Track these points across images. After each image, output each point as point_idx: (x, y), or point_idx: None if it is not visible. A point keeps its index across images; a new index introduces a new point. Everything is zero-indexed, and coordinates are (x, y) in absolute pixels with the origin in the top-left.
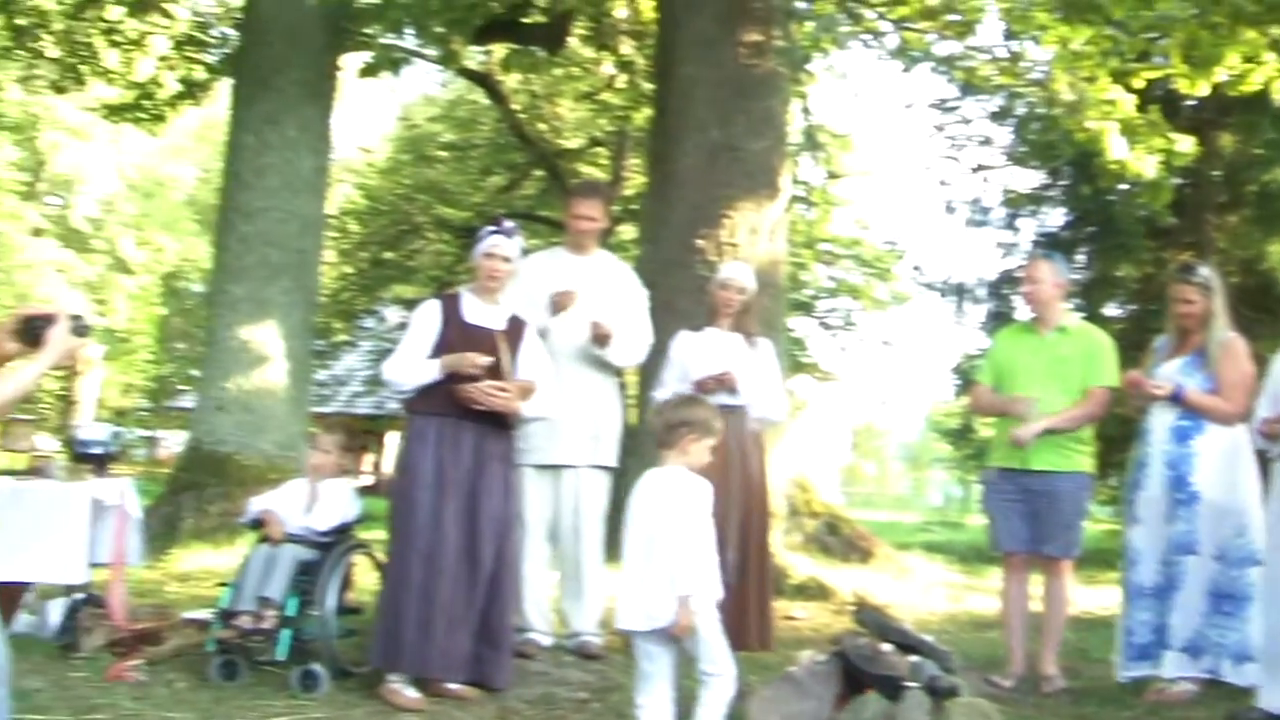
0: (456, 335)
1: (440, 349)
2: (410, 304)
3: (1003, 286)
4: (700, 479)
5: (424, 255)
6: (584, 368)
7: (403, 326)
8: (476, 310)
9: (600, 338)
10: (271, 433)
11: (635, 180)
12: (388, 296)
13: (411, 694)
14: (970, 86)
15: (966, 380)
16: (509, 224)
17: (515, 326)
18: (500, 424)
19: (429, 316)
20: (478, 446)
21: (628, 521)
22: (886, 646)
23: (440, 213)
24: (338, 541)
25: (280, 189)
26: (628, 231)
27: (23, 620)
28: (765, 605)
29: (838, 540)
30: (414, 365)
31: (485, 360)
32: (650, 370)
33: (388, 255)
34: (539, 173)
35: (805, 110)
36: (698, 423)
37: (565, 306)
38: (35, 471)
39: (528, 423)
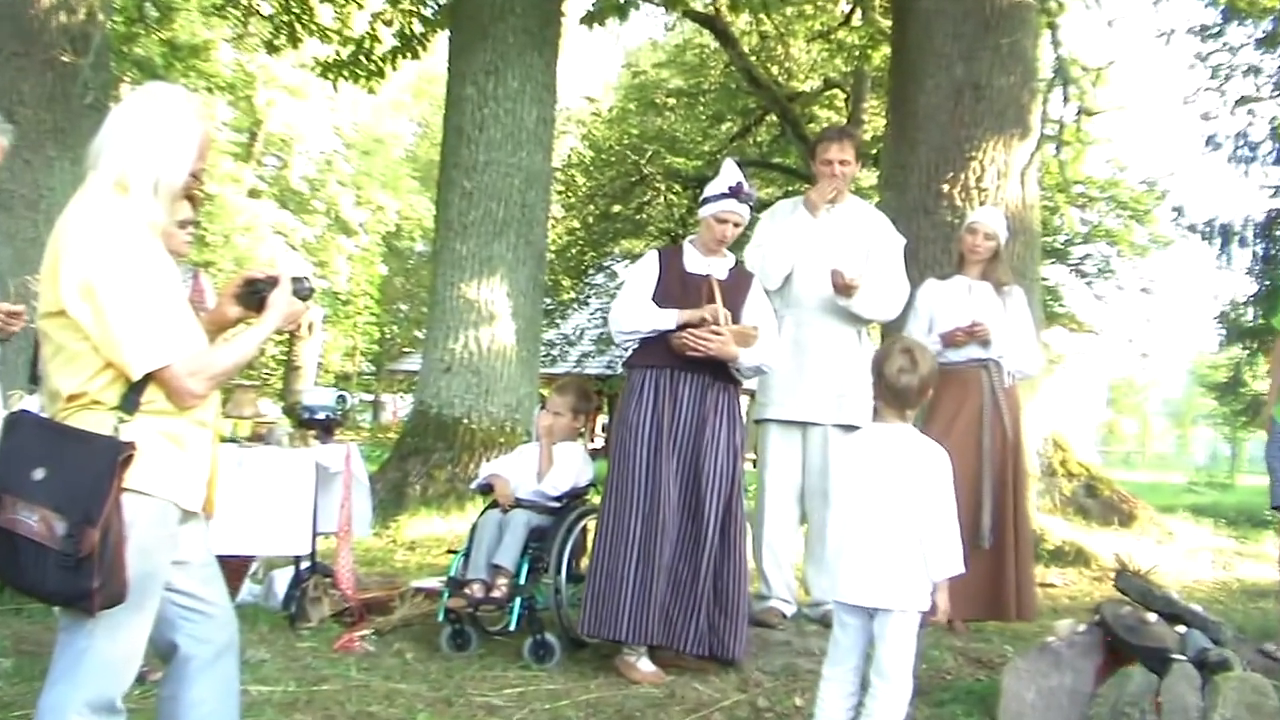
0: (675, 283)
1: (659, 297)
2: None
3: (1272, 228)
4: (936, 444)
5: (653, 208)
6: (828, 320)
7: None
8: (697, 261)
9: (843, 288)
10: (500, 395)
11: (873, 123)
12: (617, 251)
13: (648, 666)
14: (1234, 10)
15: (1234, 330)
16: (748, 189)
17: (738, 277)
18: (722, 375)
19: (648, 266)
20: (698, 400)
21: (845, 482)
22: (1151, 616)
23: (669, 163)
24: (570, 506)
25: (503, 141)
26: (866, 177)
27: (248, 589)
28: (1025, 573)
29: (1096, 502)
30: (639, 310)
31: (718, 310)
32: (894, 323)
33: (616, 209)
34: (771, 118)
35: (1055, 43)
36: (935, 377)
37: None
38: (259, 438)
39: (751, 373)
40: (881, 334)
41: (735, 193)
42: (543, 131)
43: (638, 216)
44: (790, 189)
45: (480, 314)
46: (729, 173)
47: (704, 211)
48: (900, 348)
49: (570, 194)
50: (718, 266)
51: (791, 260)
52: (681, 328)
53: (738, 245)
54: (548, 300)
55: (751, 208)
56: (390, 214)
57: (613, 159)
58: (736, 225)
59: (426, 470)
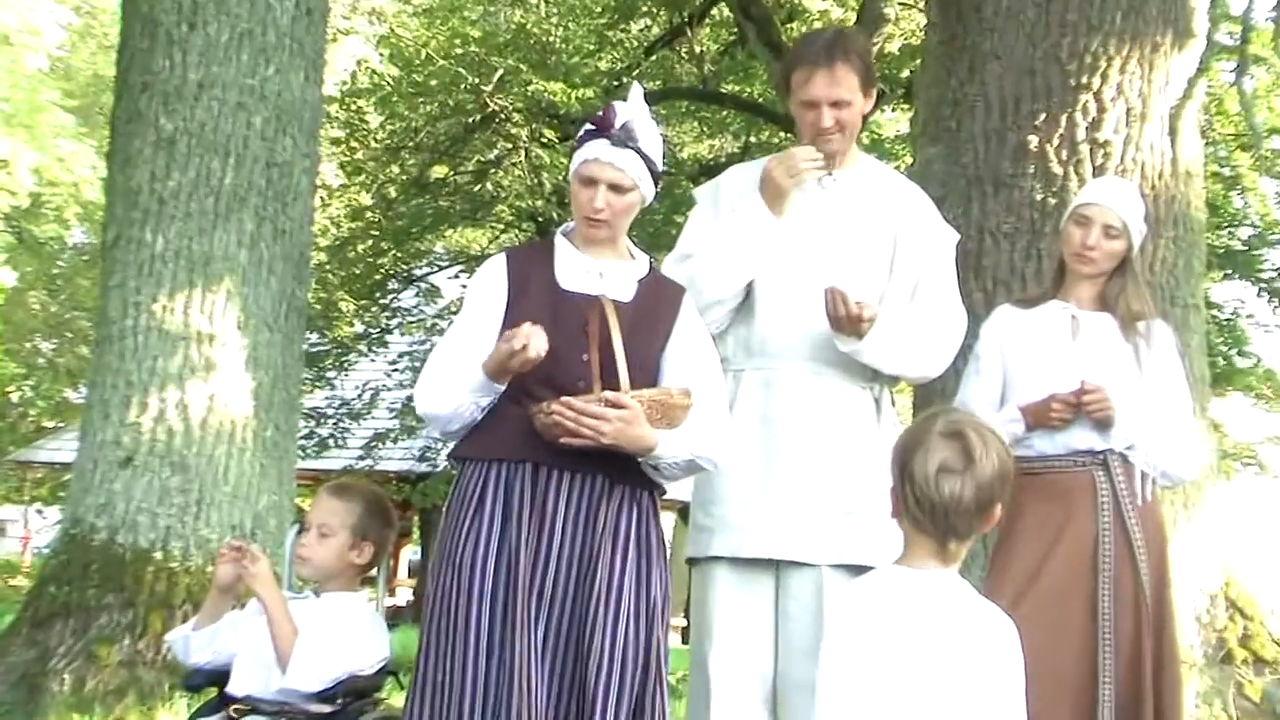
0: (539, 308)
1: (508, 328)
2: (475, 264)
3: None
4: (1002, 610)
5: (506, 172)
6: (819, 378)
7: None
8: (578, 269)
9: (846, 321)
10: (224, 507)
11: (905, 25)
12: (440, 249)
13: None
14: None
15: None
16: (635, 124)
17: (655, 297)
18: (628, 476)
19: (490, 281)
20: (584, 520)
21: (848, 669)
22: None
23: (535, 91)
24: (346, 713)
25: (232, 47)
26: (886, 124)
27: None
28: None
29: None
30: (464, 368)
31: (616, 357)
32: (937, 383)
33: (439, 173)
34: (723, 12)
35: None
36: (1007, 484)
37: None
38: None
39: (679, 472)
40: (915, 403)
41: (602, 127)
42: (306, 30)
43: (477, 188)
44: (757, 143)
45: (188, 360)
46: (617, 106)
47: (572, 171)
48: (944, 429)
49: (357, 145)
50: (616, 277)
51: (751, 271)
52: (519, 388)
53: (659, 244)
54: (314, 337)
55: (658, 168)
56: (21, 175)
57: (434, 83)
58: (617, 188)
59: (85, 645)
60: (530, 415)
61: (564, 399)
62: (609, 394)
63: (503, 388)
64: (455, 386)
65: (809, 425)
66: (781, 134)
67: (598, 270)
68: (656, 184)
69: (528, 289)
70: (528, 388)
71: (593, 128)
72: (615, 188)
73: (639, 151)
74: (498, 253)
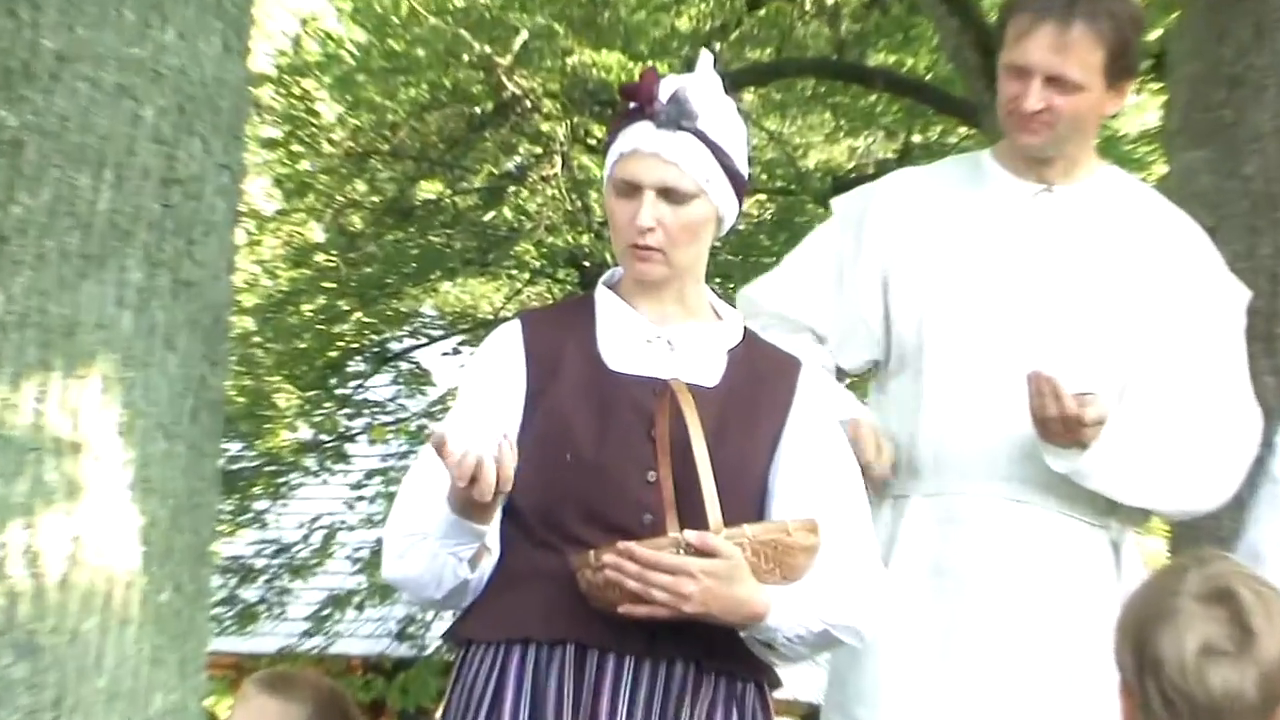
0: (575, 401)
1: (534, 450)
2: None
3: None
4: None
5: (531, 193)
6: (1025, 508)
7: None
8: (630, 336)
9: (1058, 423)
10: (94, 710)
11: None
12: (427, 309)
13: None
14: None
15: None
16: (677, 83)
17: (750, 369)
18: (722, 660)
19: (498, 367)
20: None
21: None
22: None
23: (577, 65)
24: None
25: (105, 5)
26: (1124, 114)
27: None
28: None
29: None
30: (431, 515)
31: (706, 493)
32: (1215, 517)
33: (426, 193)
34: None
35: None
36: None
37: None
38: None
39: (805, 651)
40: (1171, 547)
41: (644, 101)
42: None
43: (489, 216)
44: (923, 143)
45: (40, 484)
46: (669, 77)
47: (605, 178)
48: (1202, 589)
49: (303, 149)
50: (692, 348)
51: (915, 334)
52: (588, 534)
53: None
54: (235, 447)
55: (739, 168)
56: None
57: (421, 53)
58: (675, 198)
59: None
60: (572, 571)
61: (623, 545)
62: (691, 534)
63: (485, 530)
64: (428, 534)
65: (1007, 583)
66: (962, 129)
67: (664, 338)
68: (740, 196)
69: (558, 371)
70: (563, 526)
71: (633, 107)
72: (669, 193)
73: (702, 136)
74: (513, 316)
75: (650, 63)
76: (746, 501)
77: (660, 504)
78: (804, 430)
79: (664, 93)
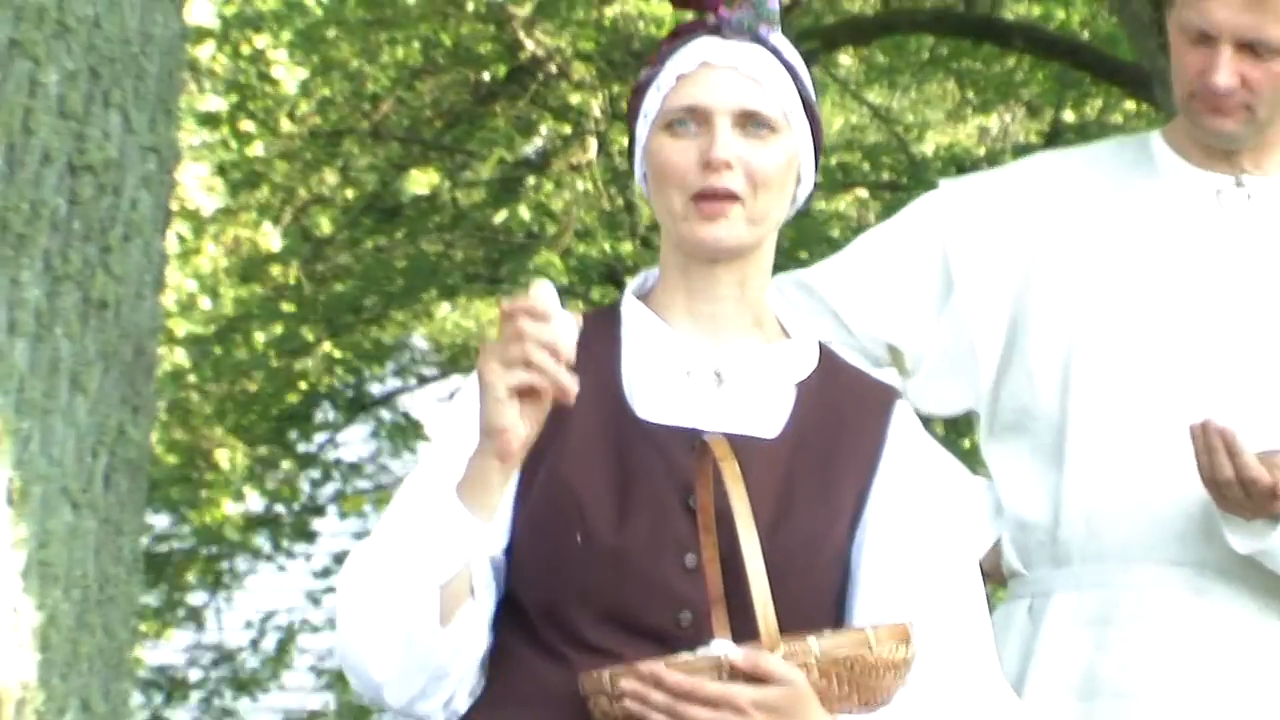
0: (590, 460)
1: (534, 521)
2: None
3: None
4: None
5: (555, 185)
6: (1207, 600)
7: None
8: (665, 366)
9: (1239, 490)
10: None
11: None
12: (426, 345)
13: None
14: None
15: None
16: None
17: (828, 407)
18: None
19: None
20: None
21: None
22: None
23: (616, 18)
24: None
25: None
26: None
27: None
28: None
29: None
30: (403, 586)
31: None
32: None
33: (416, 188)
34: None
35: None
36: None
37: None
38: None
39: None
40: None
41: (705, 4)
42: None
43: (499, 216)
44: (1076, 122)
45: None
46: None
47: (640, 129)
48: None
49: (255, 126)
50: (749, 379)
51: (1057, 374)
52: (606, 640)
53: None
54: (163, 521)
55: (816, 107)
56: None
57: (406, 1)
58: (760, 129)
59: None
60: (583, 695)
61: (646, 668)
62: (737, 653)
63: (479, 528)
64: (400, 610)
65: (1185, 704)
66: (1128, 105)
67: (710, 367)
68: (819, 151)
69: (566, 420)
70: (574, 628)
71: (699, 22)
72: (750, 120)
73: (779, 55)
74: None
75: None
76: (821, 596)
77: (703, 598)
78: (899, 491)
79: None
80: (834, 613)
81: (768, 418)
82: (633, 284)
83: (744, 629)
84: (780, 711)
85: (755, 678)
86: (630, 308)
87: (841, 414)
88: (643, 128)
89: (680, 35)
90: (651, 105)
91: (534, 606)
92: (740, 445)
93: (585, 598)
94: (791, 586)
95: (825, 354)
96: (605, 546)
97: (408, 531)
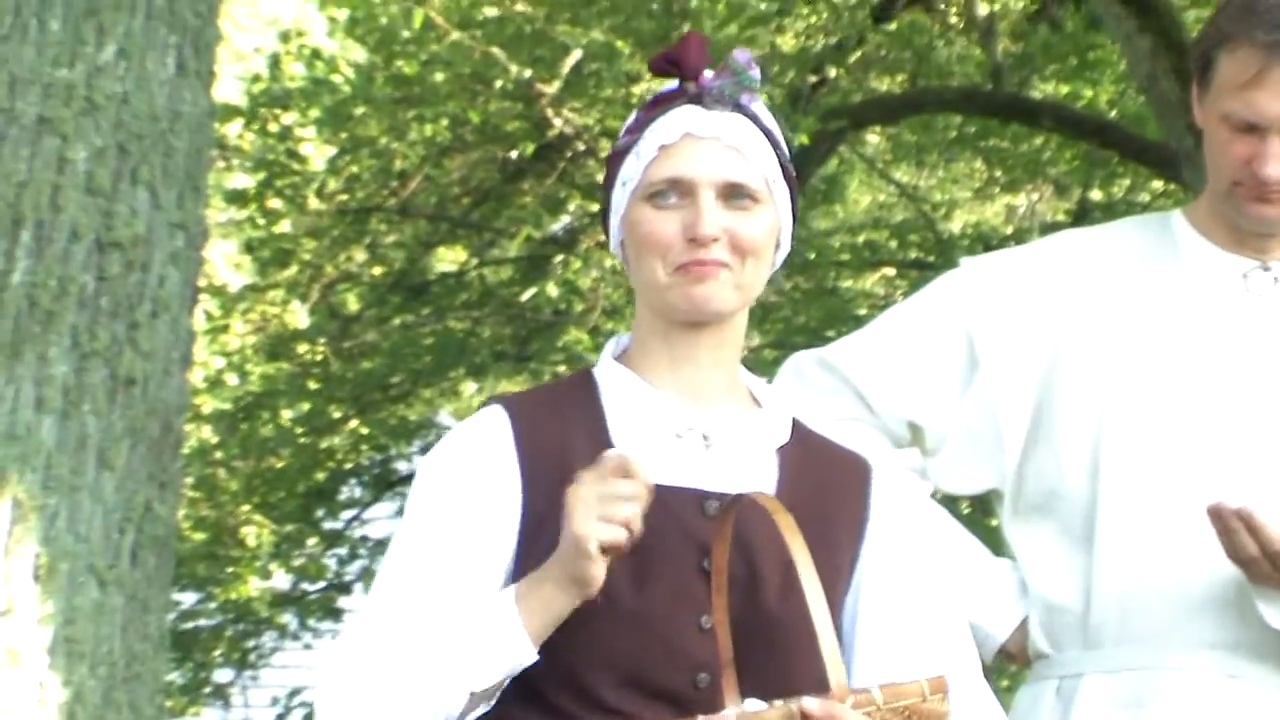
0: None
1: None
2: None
3: None
4: None
5: (584, 262)
6: (1241, 684)
7: None
8: (653, 426)
9: (1270, 563)
10: None
11: None
12: (454, 422)
13: None
14: None
15: None
16: (742, 67)
17: (808, 473)
18: None
19: (481, 473)
20: None
21: None
22: None
23: (646, 94)
24: None
25: (20, 11)
26: None
27: None
28: None
29: None
30: (416, 664)
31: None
32: None
33: (444, 263)
34: None
35: None
36: None
37: None
38: None
39: None
40: None
41: (691, 71)
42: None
43: (528, 295)
44: (1104, 201)
45: None
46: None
47: (619, 197)
48: None
49: (282, 203)
50: (731, 444)
51: (1086, 455)
52: (626, 702)
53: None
54: (189, 599)
55: (791, 170)
56: None
57: (439, 77)
58: (741, 200)
59: None
60: None
61: None
62: (813, 705)
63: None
64: (426, 706)
65: None
66: (1158, 184)
67: (697, 430)
68: (796, 216)
69: (565, 479)
70: (593, 693)
71: (675, 87)
72: (735, 191)
73: (757, 121)
74: (487, 402)
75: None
76: (819, 660)
77: (716, 660)
78: (887, 556)
79: (744, 60)
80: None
81: (758, 481)
82: (609, 349)
83: (752, 691)
84: None
85: None
86: (611, 371)
87: (825, 481)
88: (621, 196)
89: (660, 103)
90: (631, 173)
91: (547, 671)
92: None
93: (605, 661)
94: (803, 648)
95: (797, 423)
96: (626, 610)
97: (457, 632)
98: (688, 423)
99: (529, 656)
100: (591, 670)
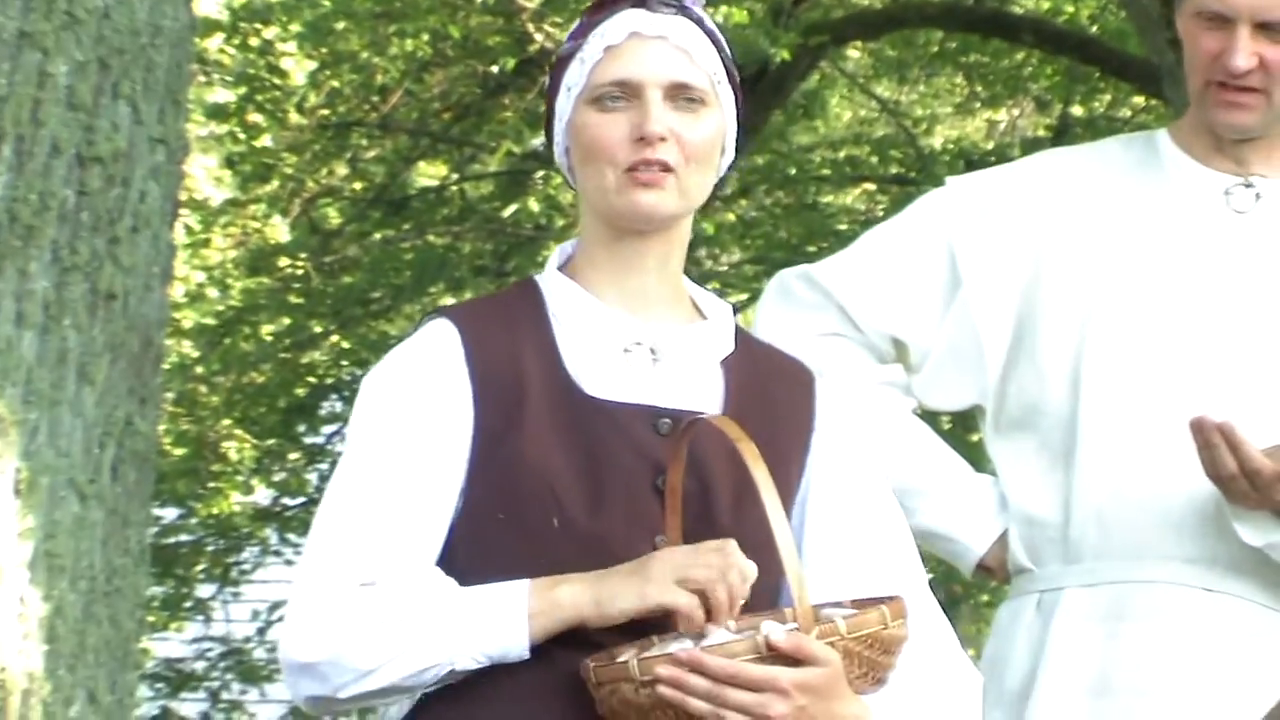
0: (553, 450)
1: (494, 494)
2: None
3: None
4: None
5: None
6: (1219, 598)
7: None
8: (601, 341)
9: (1244, 483)
10: None
11: None
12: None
13: None
14: None
15: None
16: None
17: (754, 385)
18: None
19: (432, 395)
20: None
21: None
22: None
23: None
24: None
25: None
26: None
27: None
28: None
29: None
30: (390, 600)
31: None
32: None
33: (425, 177)
34: None
35: None
36: None
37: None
38: None
39: None
40: None
41: None
42: None
43: (509, 210)
44: (1085, 116)
45: None
46: None
47: (563, 103)
48: None
49: (262, 119)
50: (677, 354)
51: (1067, 371)
52: (594, 636)
53: None
54: (170, 514)
55: (736, 75)
56: None
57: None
58: (690, 101)
59: None
60: (591, 683)
61: (686, 654)
62: (778, 631)
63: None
64: (406, 668)
65: (1198, 702)
66: (1137, 100)
67: (645, 344)
68: (741, 123)
69: (523, 400)
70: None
71: None
72: (682, 93)
73: (702, 24)
74: (432, 313)
75: (732, 9)
76: (772, 576)
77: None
78: (833, 467)
79: None
80: (779, 601)
81: (705, 396)
82: (553, 259)
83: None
84: (818, 692)
85: (794, 658)
86: (556, 282)
87: (770, 392)
88: (565, 101)
89: (604, 7)
90: (575, 78)
91: None
92: (714, 424)
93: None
94: (758, 563)
95: (740, 332)
96: (582, 531)
97: (456, 608)
98: (635, 336)
99: (521, 653)
100: None
